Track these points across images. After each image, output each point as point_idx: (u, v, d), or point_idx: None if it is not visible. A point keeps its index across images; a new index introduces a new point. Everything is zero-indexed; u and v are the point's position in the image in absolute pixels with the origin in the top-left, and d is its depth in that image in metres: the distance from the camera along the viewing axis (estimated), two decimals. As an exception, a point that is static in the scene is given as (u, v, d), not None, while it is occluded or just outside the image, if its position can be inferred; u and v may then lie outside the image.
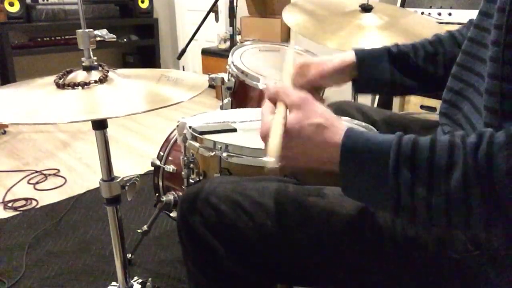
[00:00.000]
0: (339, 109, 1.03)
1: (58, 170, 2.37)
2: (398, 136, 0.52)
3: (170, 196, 1.40)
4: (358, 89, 0.88)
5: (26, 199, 2.03)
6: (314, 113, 0.56)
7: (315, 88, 0.85)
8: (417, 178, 0.49)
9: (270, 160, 0.54)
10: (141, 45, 4.61)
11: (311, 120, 0.55)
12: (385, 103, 2.44)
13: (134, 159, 2.54)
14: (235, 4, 2.08)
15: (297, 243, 0.66)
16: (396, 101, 2.41)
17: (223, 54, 3.60)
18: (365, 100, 2.64)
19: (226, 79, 1.44)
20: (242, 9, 3.49)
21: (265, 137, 0.56)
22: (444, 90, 0.71)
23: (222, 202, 0.68)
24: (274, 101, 0.60)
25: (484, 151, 0.46)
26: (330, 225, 0.64)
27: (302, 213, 0.66)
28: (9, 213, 1.92)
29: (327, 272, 0.68)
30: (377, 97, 2.56)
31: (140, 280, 1.15)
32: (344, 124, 0.57)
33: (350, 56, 0.84)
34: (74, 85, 0.84)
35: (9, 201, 2.02)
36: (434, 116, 0.88)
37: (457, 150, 0.48)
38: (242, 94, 1.43)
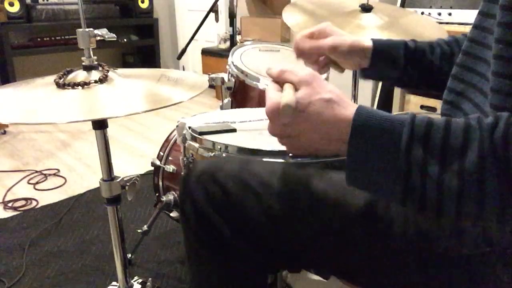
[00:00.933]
0: None
1: (58, 170, 2.37)
2: (412, 115, 0.50)
3: (170, 196, 1.40)
4: (364, 76, 0.86)
5: (26, 199, 2.03)
6: (324, 89, 0.54)
7: (323, 60, 0.84)
8: (430, 157, 0.47)
9: (286, 104, 0.51)
10: (141, 45, 4.61)
11: (321, 95, 0.53)
12: (385, 103, 2.44)
13: (134, 159, 2.54)
14: (235, 4, 2.08)
15: (304, 228, 0.65)
16: (396, 101, 2.41)
17: (223, 54, 3.60)
18: (364, 100, 2.65)
19: (226, 79, 1.44)
20: (242, 9, 3.49)
21: (273, 114, 0.53)
22: (445, 91, 0.71)
23: (229, 180, 0.66)
24: (280, 82, 0.57)
25: (501, 132, 0.45)
26: (341, 213, 0.63)
27: (311, 198, 0.65)
28: (9, 213, 1.93)
29: (336, 259, 0.67)
30: (377, 97, 2.56)
31: (140, 280, 1.15)
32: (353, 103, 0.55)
33: (368, 42, 0.83)
34: (74, 85, 0.84)
35: (9, 201, 2.02)
36: (435, 116, 0.88)
37: (473, 130, 0.46)
38: (242, 94, 1.43)
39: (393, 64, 0.83)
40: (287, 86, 0.55)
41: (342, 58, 0.83)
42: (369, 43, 0.82)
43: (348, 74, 1.57)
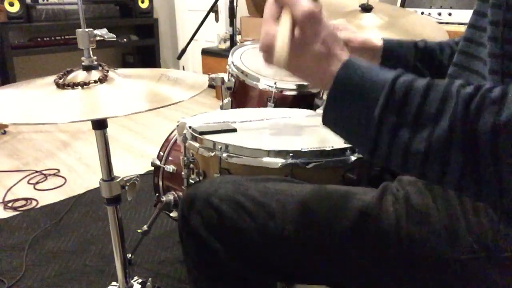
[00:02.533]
0: None
1: (58, 170, 2.37)
2: (395, 76, 0.50)
3: (170, 196, 1.40)
4: None
5: (26, 199, 2.03)
6: (317, 37, 0.53)
7: None
8: (403, 122, 0.48)
9: (279, 58, 0.51)
10: (141, 45, 4.60)
11: (313, 47, 0.53)
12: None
13: (134, 159, 2.54)
14: (235, 4, 2.08)
15: (300, 244, 0.66)
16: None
17: (223, 54, 3.60)
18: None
19: (226, 79, 1.44)
20: (242, 9, 3.49)
21: (267, 48, 0.52)
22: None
23: (223, 203, 0.68)
24: (279, 4, 0.54)
25: (476, 103, 0.45)
26: (334, 227, 0.64)
27: (305, 214, 0.66)
28: (9, 213, 1.92)
29: (330, 272, 0.68)
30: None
31: (140, 280, 1.15)
32: (345, 53, 0.55)
33: (379, 41, 0.84)
34: (74, 85, 0.84)
35: (9, 201, 2.02)
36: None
37: (450, 99, 0.47)
38: (242, 94, 1.43)
39: (403, 64, 0.84)
40: (284, 22, 0.53)
41: (353, 55, 0.84)
42: (380, 42, 0.84)
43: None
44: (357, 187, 0.69)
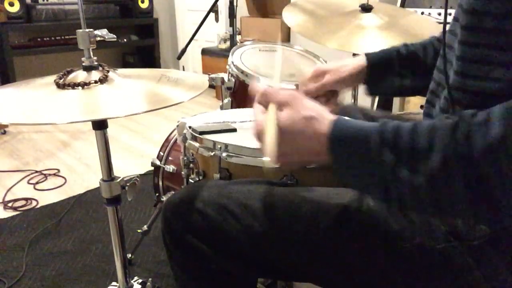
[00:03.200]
0: (344, 112, 1.04)
1: (58, 170, 2.37)
2: (382, 122, 0.53)
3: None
4: (370, 91, 0.92)
5: (26, 199, 2.03)
6: (304, 107, 0.58)
7: (330, 92, 0.89)
8: (399, 161, 0.50)
9: (268, 159, 0.56)
10: (141, 45, 4.61)
11: (302, 114, 0.57)
12: (385, 104, 2.44)
13: (134, 159, 2.54)
14: (235, 4, 2.08)
15: (285, 242, 0.67)
16: (396, 101, 2.41)
17: (223, 54, 3.60)
18: (364, 100, 2.65)
19: (226, 79, 1.44)
20: (242, 9, 3.49)
21: (259, 136, 0.58)
22: (427, 93, 0.74)
23: (208, 207, 0.69)
24: (264, 103, 0.61)
25: (462, 130, 0.47)
26: (318, 222, 0.66)
27: (289, 212, 0.67)
28: (9, 213, 1.93)
29: (315, 268, 0.69)
30: (377, 98, 2.56)
31: (140, 280, 1.15)
32: (332, 115, 0.58)
33: (362, 61, 0.88)
34: (74, 85, 0.84)
35: (9, 201, 2.02)
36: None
37: (437, 132, 0.49)
38: (242, 94, 1.43)
39: (389, 74, 0.88)
40: (270, 109, 0.59)
41: (347, 85, 0.90)
42: (364, 61, 0.88)
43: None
44: (338, 188, 0.71)
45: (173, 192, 1.42)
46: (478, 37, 0.56)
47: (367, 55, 0.88)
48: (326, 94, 0.89)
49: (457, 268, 0.60)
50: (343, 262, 0.66)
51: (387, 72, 0.87)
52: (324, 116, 0.57)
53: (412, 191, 0.50)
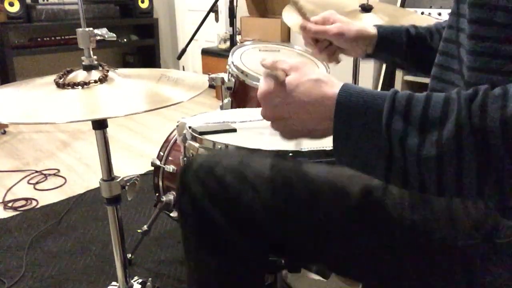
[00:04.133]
0: None
1: (58, 170, 2.37)
2: (394, 90, 0.52)
3: (170, 196, 1.40)
4: (367, 57, 0.92)
5: (26, 199, 2.03)
6: (312, 71, 0.57)
7: (330, 45, 0.89)
8: (410, 129, 0.48)
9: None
10: (141, 45, 4.61)
11: (310, 76, 0.56)
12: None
13: (134, 159, 2.54)
14: (235, 4, 2.08)
15: (303, 221, 0.66)
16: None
17: (223, 54, 3.60)
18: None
19: (226, 79, 1.44)
20: (242, 9, 3.49)
21: (265, 96, 0.58)
22: (431, 80, 0.72)
23: (227, 174, 0.67)
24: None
25: (478, 102, 0.46)
26: (339, 206, 0.64)
27: (310, 191, 0.66)
28: (9, 213, 1.92)
29: (329, 250, 0.67)
30: (379, 89, 2.57)
31: (140, 280, 1.15)
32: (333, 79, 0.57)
33: (372, 30, 0.87)
34: (74, 85, 0.84)
35: (9, 201, 2.02)
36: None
37: (452, 102, 0.47)
38: (242, 94, 1.43)
39: (395, 50, 0.87)
40: (279, 71, 0.59)
41: (347, 45, 0.88)
42: (374, 31, 0.87)
43: (349, 67, 1.57)
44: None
45: (173, 192, 1.42)
46: (490, 31, 0.54)
47: (378, 27, 0.87)
48: (326, 45, 0.88)
49: (477, 266, 0.59)
50: (359, 248, 0.64)
51: (394, 46, 0.87)
52: (332, 80, 0.56)
53: (418, 163, 0.48)
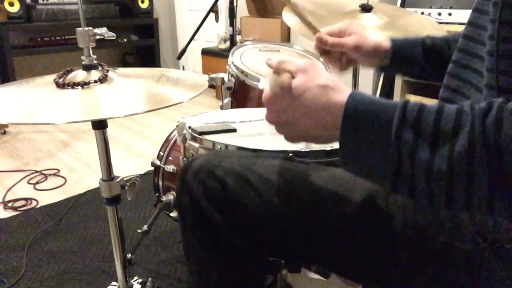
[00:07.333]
0: None
1: (58, 170, 2.37)
2: (405, 100, 0.50)
3: (170, 196, 1.40)
4: (383, 72, 0.92)
5: (26, 199, 2.03)
6: (320, 75, 0.55)
7: (345, 57, 0.88)
8: (421, 141, 0.46)
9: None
10: (141, 45, 4.61)
11: (317, 82, 0.54)
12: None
13: (134, 159, 2.54)
14: (235, 4, 2.08)
15: (304, 223, 0.65)
16: (396, 99, 2.42)
17: (223, 54, 3.60)
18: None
19: (226, 79, 1.44)
20: (242, 9, 3.49)
21: (269, 100, 0.57)
22: (441, 89, 0.71)
23: (228, 176, 0.66)
24: (279, 73, 0.58)
25: (493, 116, 0.44)
26: (339, 208, 0.64)
27: (312, 193, 0.65)
28: (9, 213, 1.92)
29: (331, 253, 0.67)
30: (378, 92, 2.57)
31: (140, 280, 1.15)
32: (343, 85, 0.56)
33: (387, 43, 0.87)
34: (74, 85, 0.84)
35: (9, 201, 2.02)
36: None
37: (465, 115, 0.46)
38: (242, 94, 1.43)
39: (411, 62, 0.87)
40: (285, 75, 0.57)
41: (363, 58, 0.88)
42: (388, 44, 0.86)
43: (348, 74, 1.58)
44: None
45: (173, 192, 1.42)
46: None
47: (392, 40, 0.87)
48: (340, 59, 0.88)
49: (480, 271, 0.58)
50: (361, 252, 0.64)
51: (409, 59, 0.86)
52: (340, 87, 0.54)
53: (428, 177, 0.46)
